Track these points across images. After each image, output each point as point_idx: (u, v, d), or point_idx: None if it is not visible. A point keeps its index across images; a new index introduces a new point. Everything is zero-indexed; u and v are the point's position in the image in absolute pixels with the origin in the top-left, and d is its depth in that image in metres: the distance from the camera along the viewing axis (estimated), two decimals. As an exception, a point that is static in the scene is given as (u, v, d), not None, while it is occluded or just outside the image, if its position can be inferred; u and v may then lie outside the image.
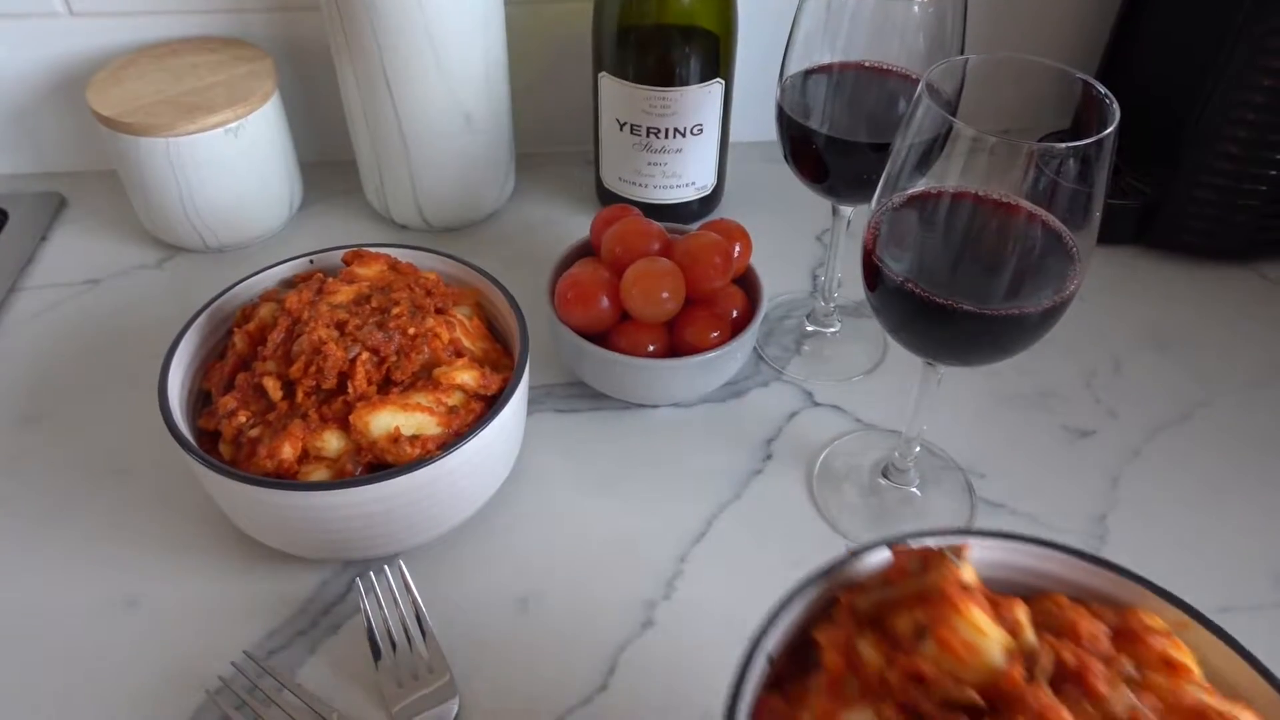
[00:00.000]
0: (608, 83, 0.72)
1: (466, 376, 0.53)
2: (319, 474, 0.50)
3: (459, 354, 0.55)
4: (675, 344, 0.62)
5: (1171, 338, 0.71)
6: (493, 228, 0.80)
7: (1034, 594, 0.36)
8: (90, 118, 0.71)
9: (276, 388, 0.52)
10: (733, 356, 0.62)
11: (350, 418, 0.50)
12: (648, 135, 0.73)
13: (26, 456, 0.61)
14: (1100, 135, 0.41)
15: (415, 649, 0.50)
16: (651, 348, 0.61)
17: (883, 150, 0.56)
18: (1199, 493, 0.61)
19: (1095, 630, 0.34)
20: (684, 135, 0.73)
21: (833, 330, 0.71)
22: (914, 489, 0.60)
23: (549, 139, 0.87)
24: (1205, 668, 0.34)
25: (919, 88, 0.44)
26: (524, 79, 0.79)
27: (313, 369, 0.51)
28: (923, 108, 0.44)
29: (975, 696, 0.30)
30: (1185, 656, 0.33)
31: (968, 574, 0.33)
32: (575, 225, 0.80)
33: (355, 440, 0.50)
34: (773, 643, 0.35)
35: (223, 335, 0.59)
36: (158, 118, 0.68)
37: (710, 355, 0.60)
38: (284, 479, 0.50)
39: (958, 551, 0.34)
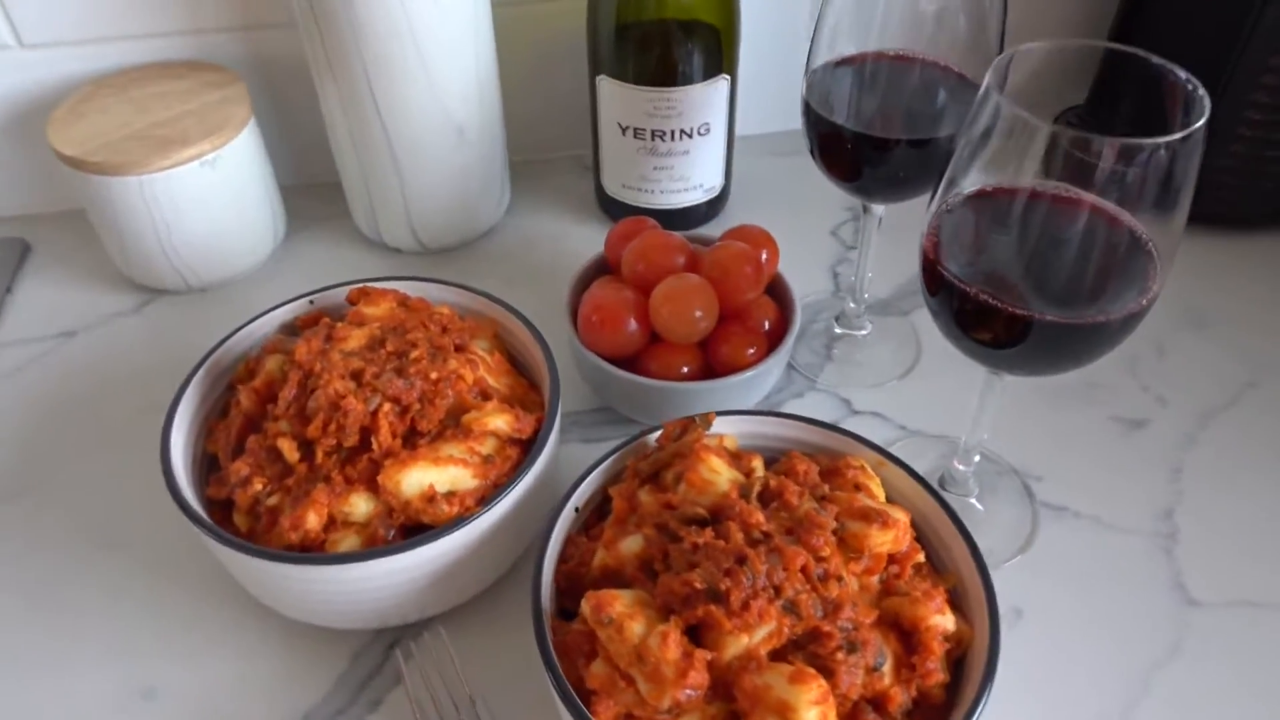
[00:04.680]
0: (607, 86, 0.68)
1: (500, 421, 0.49)
2: (349, 542, 0.46)
3: (485, 395, 0.51)
4: (710, 363, 0.58)
5: (1209, 315, 0.68)
6: (491, 244, 0.76)
7: (778, 453, 0.49)
8: (51, 157, 0.65)
9: (293, 449, 0.48)
10: (770, 373, 0.59)
11: (379, 478, 0.46)
12: (652, 138, 0.69)
13: (9, 535, 0.56)
14: (1190, 130, 0.38)
15: (468, 723, 0.46)
16: (685, 369, 0.57)
17: (922, 147, 0.53)
18: (1263, 477, 0.58)
19: (807, 467, 0.46)
20: (691, 136, 0.69)
21: (864, 332, 0.67)
22: (974, 500, 0.57)
23: (542, 145, 0.82)
24: (893, 490, 0.47)
25: (986, 79, 0.41)
26: (513, 83, 0.74)
27: (332, 426, 0.47)
28: (992, 102, 0.40)
29: (703, 511, 0.43)
30: (870, 480, 0.46)
31: (714, 436, 0.47)
32: (579, 236, 0.76)
33: (386, 501, 0.46)
34: (579, 497, 0.46)
35: (223, 390, 0.54)
36: (127, 155, 0.63)
37: (748, 374, 0.56)
38: (311, 551, 0.46)
39: (706, 419, 0.47)
